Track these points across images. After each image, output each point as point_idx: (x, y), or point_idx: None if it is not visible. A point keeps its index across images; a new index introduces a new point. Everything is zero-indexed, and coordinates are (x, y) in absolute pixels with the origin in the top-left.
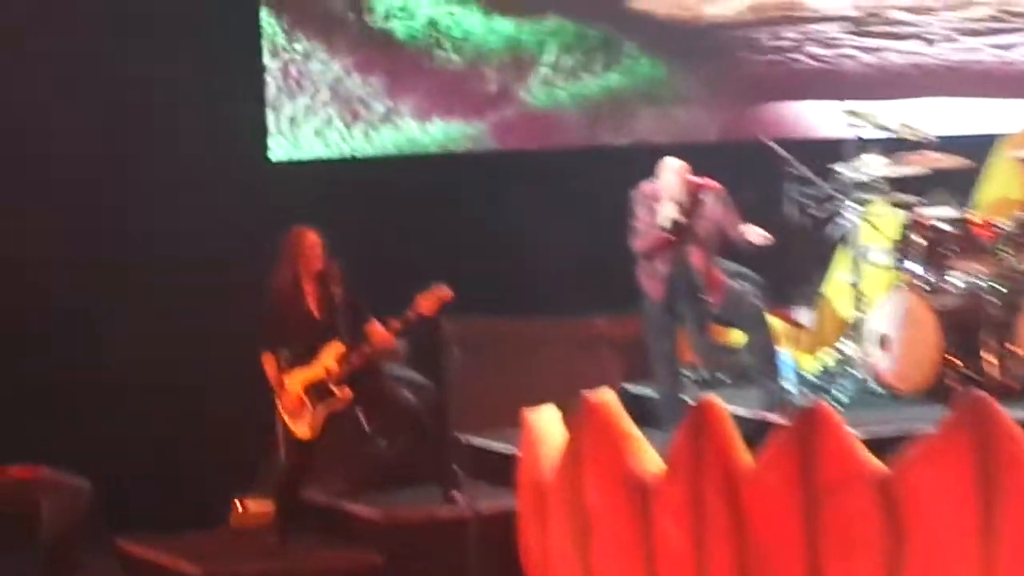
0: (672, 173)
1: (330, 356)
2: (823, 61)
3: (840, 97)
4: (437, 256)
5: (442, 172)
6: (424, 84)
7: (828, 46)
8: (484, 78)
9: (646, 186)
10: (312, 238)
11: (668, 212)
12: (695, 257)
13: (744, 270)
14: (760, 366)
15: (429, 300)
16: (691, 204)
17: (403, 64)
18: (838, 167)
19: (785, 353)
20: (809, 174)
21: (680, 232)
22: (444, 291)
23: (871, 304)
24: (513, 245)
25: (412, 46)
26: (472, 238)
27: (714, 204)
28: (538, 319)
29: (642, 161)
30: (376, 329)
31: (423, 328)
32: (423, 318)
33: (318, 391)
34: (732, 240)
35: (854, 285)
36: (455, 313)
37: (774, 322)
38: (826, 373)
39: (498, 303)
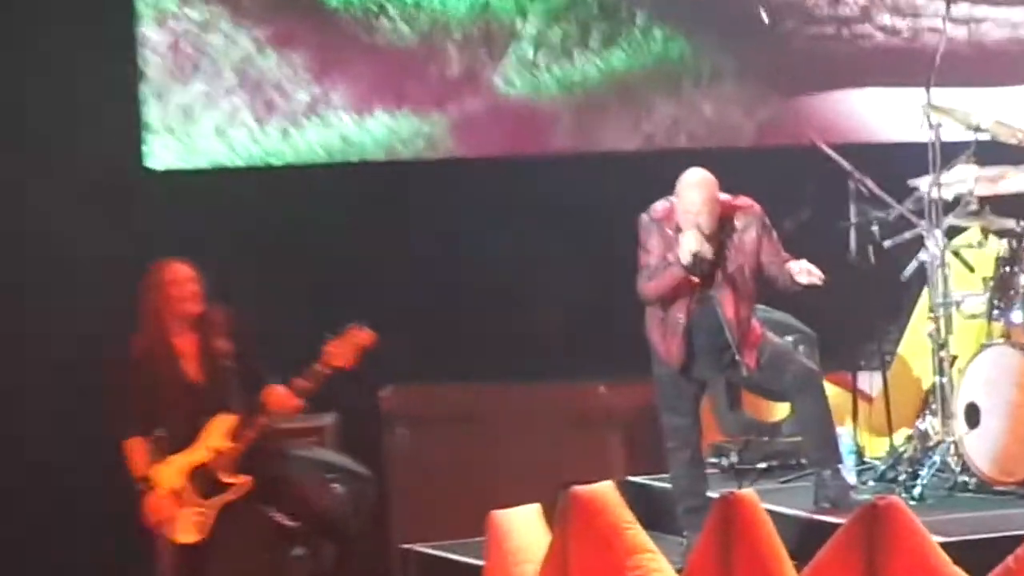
0: (695, 190)
1: (217, 433)
2: (897, 35)
3: (919, 85)
4: (376, 299)
5: (386, 184)
6: (363, 65)
7: (905, 14)
8: (443, 58)
9: (660, 207)
10: (181, 273)
11: (689, 243)
12: (726, 303)
13: (792, 321)
14: (811, 449)
15: (342, 347)
16: (720, 232)
17: (335, 38)
18: (916, 182)
19: (845, 432)
20: (878, 191)
21: (705, 270)
22: (362, 335)
23: (960, 367)
24: (481, 285)
25: (347, 14)
26: (425, 275)
27: (751, 232)
28: (514, 386)
29: (654, 172)
30: (275, 393)
31: (358, 397)
32: (335, 371)
33: (204, 480)
34: (775, 281)
35: (938, 341)
36: (401, 377)
37: (830, 391)
38: (899, 459)
39: (460, 364)
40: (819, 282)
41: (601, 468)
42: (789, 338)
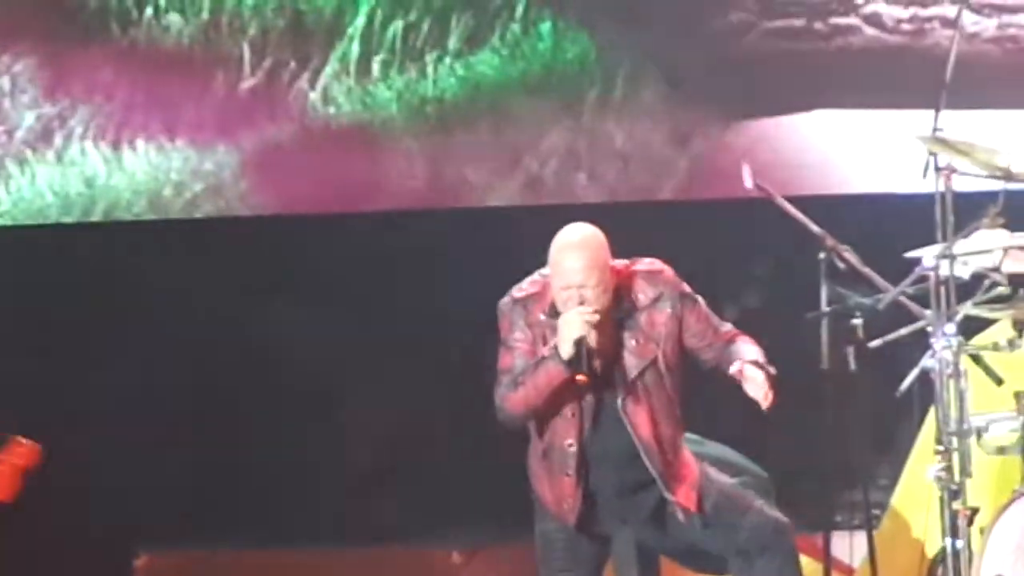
0: (574, 253)
1: None
2: (893, 31)
3: (923, 106)
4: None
5: (141, 245)
6: (117, 76)
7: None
8: (233, 65)
9: (527, 285)
10: None
11: (571, 328)
12: (637, 419)
13: (733, 457)
14: None
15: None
16: (617, 311)
17: (76, 37)
18: (918, 254)
19: None
20: (862, 267)
21: (596, 368)
22: (22, 450)
23: (983, 526)
24: (275, 397)
25: (96, 3)
26: (193, 379)
27: (663, 308)
28: (325, 552)
29: (521, 230)
30: None
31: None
32: None
33: None
34: (717, 368)
35: (949, 488)
36: (163, 540)
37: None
38: None
39: (246, 518)
40: (764, 405)
41: None
42: (738, 479)
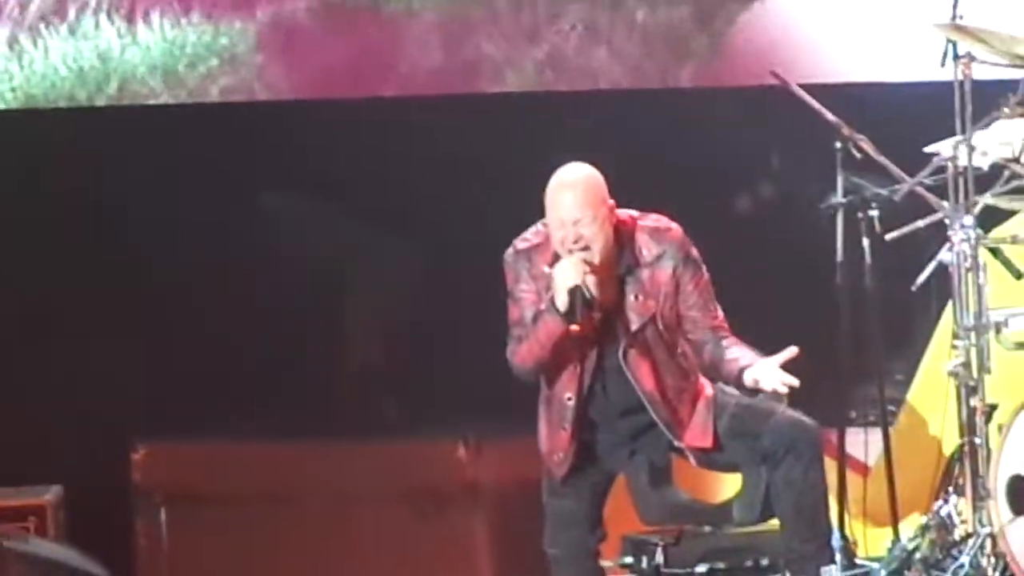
0: (570, 193)
1: None
2: None
3: None
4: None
5: (157, 132)
6: None
7: None
8: None
9: (530, 235)
10: None
11: (565, 275)
12: (640, 371)
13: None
14: (794, 539)
15: None
16: (619, 262)
17: None
18: (937, 147)
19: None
20: (879, 157)
21: (594, 316)
22: None
23: (1002, 423)
24: (281, 295)
25: None
26: (197, 274)
27: (666, 266)
28: (328, 445)
29: (536, 119)
30: None
31: (93, 461)
32: None
33: None
34: (700, 349)
35: (967, 384)
36: (160, 432)
37: None
38: (908, 559)
39: (247, 411)
40: (784, 390)
41: (457, 566)
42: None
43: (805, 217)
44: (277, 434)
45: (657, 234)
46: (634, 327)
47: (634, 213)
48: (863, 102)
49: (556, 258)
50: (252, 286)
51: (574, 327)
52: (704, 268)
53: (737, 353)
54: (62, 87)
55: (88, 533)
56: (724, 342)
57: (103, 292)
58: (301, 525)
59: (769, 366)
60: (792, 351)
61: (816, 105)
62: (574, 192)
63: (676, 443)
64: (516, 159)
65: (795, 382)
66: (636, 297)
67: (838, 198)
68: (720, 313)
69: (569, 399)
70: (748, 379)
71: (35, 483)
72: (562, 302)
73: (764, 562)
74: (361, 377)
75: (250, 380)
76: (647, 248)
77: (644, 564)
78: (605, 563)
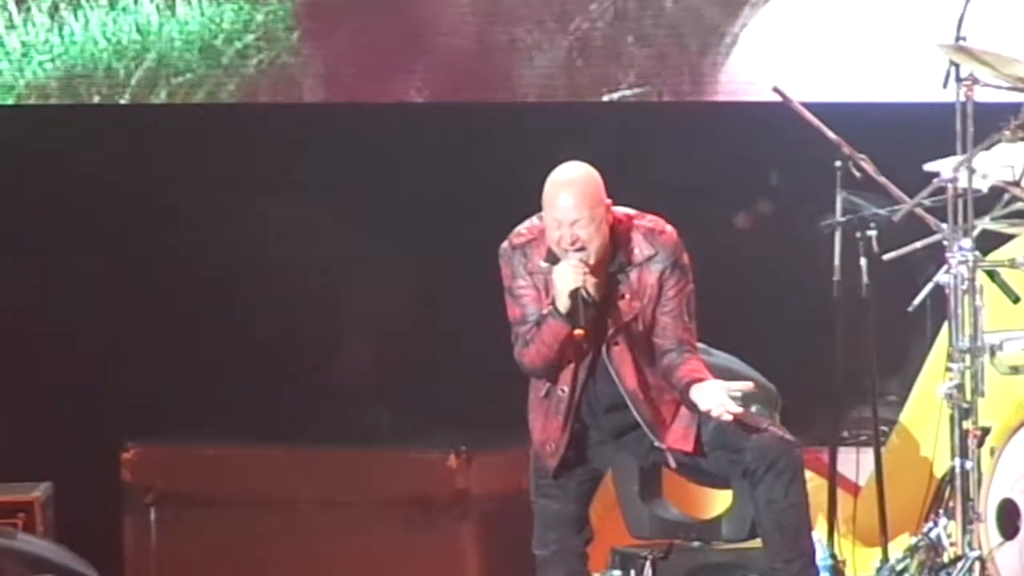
0: (567, 191)
1: None
2: None
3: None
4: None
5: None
6: None
7: None
8: None
9: (525, 229)
10: None
11: (565, 278)
12: (623, 368)
13: (740, 368)
14: (776, 558)
15: None
16: (613, 261)
17: None
18: (936, 165)
19: (817, 538)
20: (878, 176)
21: (592, 317)
22: None
23: (994, 446)
24: (271, 293)
25: None
26: (184, 272)
27: (654, 268)
28: (318, 451)
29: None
30: None
31: (83, 459)
32: None
33: None
34: (661, 354)
35: (961, 406)
36: (150, 432)
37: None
38: None
39: (238, 416)
40: (727, 417)
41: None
42: (736, 394)
43: (803, 235)
44: (268, 438)
45: (651, 235)
46: (619, 325)
47: (630, 211)
48: (864, 121)
49: (552, 253)
50: (245, 290)
51: (579, 332)
52: (691, 277)
53: (693, 367)
54: (100, 59)
55: (77, 531)
56: (686, 355)
57: (94, 292)
58: (290, 530)
59: (716, 389)
60: (747, 385)
61: (817, 123)
62: (572, 192)
63: (657, 443)
64: (514, 168)
65: (738, 410)
66: (624, 295)
67: (837, 217)
68: (693, 327)
69: (563, 391)
70: (694, 395)
71: (25, 480)
72: (563, 305)
73: None
74: (353, 385)
75: (242, 383)
76: (640, 248)
77: None
78: None
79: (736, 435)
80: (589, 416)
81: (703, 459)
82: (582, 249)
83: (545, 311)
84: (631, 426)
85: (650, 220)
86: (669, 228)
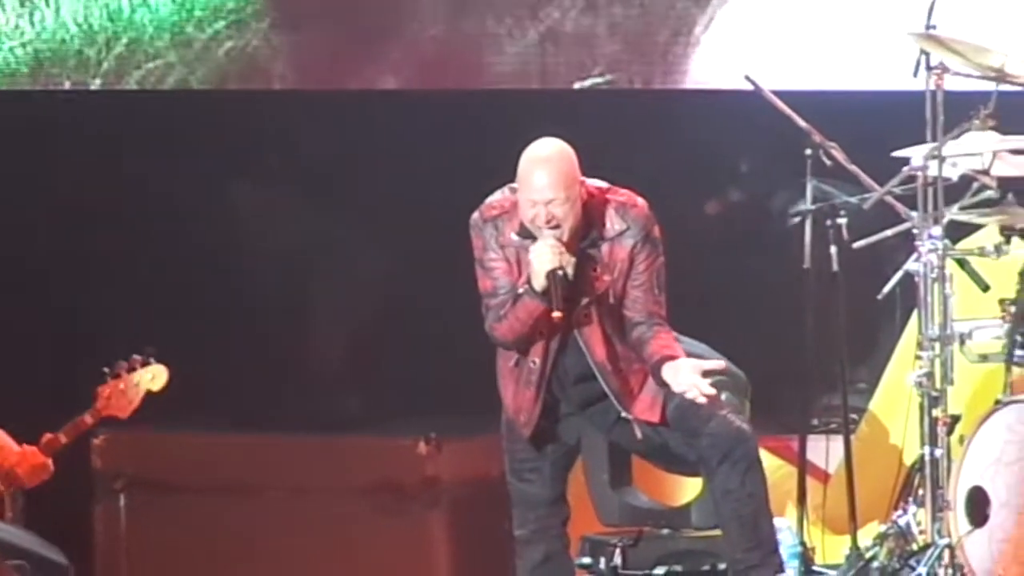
0: (542, 168)
1: None
2: None
3: None
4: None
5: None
6: None
7: None
8: None
9: (496, 200)
10: None
11: (542, 258)
12: (592, 340)
13: (709, 354)
14: (736, 549)
15: (121, 391)
16: (586, 236)
17: None
18: (906, 153)
19: (786, 525)
20: (849, 165)
21: (566, 295)
22: (158, 372)
23: (963, 434)
24: (243, 283)
25: None
26: (153, 263)
27: (626, 242)
28: (288, 439)
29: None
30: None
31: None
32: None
33: None
34: (630, 328)
35: (930, 394)
36: (121, 420)
37: (768, 463)
38: (866, 568)
39: (209, 403)
40: (701, 399)
41: (416, 562)
42: (707, 380)
43: (773, 223)
44: (238, 425)
45: (623, 209)
46: (589, 298)
47: (603, 185)
48: (835, 109)
49: (524, 227)
50: (213, 277)
51: (557, 315)
52: (661, 250)
53: (664, 342)
54: (71, 45)
55: (47, 517)
56: (656, 327)
57: (61, 276)
58: (260, 517)
59: (690, 369)
60: (718, 363)
61: (788, 111)
62: (548, 171)
63: (624, 414)
64: (485, 156)
65: (712, 392)
66: (596, 269)
67: (807, 205)
68: (663, 300)
69: (535, 362)
70: (666, 374)
71: None
72: (539, 284)
73: (721, 566)
74: (323, 372)
75: (213, 371)
76: (612, 223)
77: (602, 565)
78: None
79: (695, 418)
80: (558, 387)
81: (667, 432)
82: (557, 227)
83: (520, 290)
84: (598, 397)
85: (622, 194)
86: (641, 201)
